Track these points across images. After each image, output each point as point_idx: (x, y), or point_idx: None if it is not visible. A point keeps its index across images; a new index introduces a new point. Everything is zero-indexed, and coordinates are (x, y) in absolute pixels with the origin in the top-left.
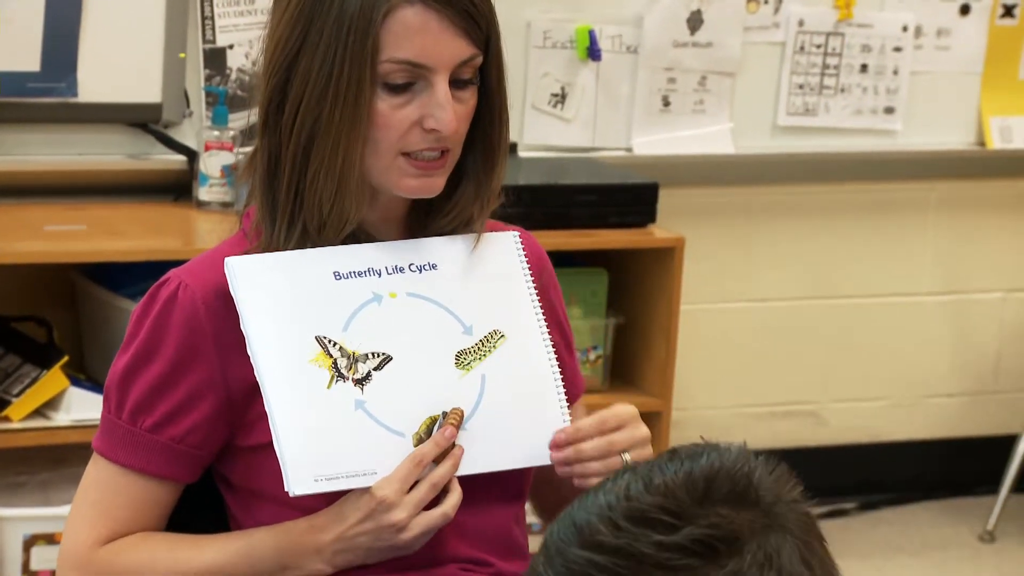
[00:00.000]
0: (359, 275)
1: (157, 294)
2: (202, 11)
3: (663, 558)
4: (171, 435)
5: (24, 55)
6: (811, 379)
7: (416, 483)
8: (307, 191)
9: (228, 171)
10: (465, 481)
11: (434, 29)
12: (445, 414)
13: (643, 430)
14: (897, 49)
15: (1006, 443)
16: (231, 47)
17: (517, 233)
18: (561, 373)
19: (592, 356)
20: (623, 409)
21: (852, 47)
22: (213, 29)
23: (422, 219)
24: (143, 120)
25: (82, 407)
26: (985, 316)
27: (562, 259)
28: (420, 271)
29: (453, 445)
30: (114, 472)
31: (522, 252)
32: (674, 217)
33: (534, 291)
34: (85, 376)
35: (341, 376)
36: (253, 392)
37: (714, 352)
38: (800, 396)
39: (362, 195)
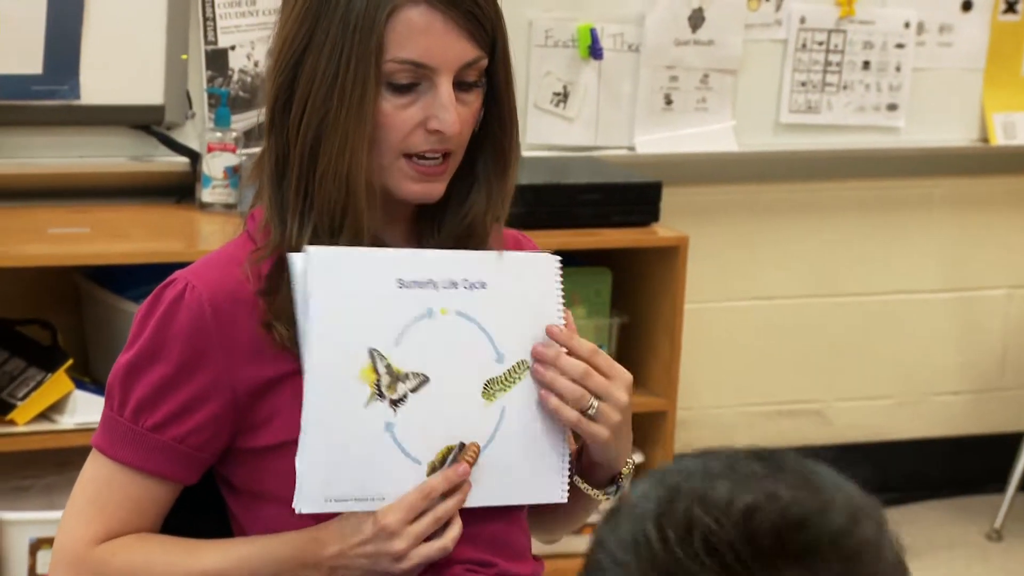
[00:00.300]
0: (420, 285)
1: (162, 295)
2: (204, 12)
3: None
4: (173, 435)
5: (26, 58)
6: (816, 377)
7: (421, 514)
8: (316, 191)
9: (231, 172)
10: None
11: (438, 30)
12: (463, 446)
13: (622, 396)
14: (899, 46)
15: (1012, 441)
16: (233, 48)
17: (559, 257)
18: None
19: None
20: (619, 368)
21: (854, 44)
22: (215, 30)
23: (432, 223)
24: (145, 122)
25: (87, 410)
26: (990, 313)
27: (566, 259)
28: (471, 288)
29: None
30: (113, 469)
31: (559, 276)
32: (677, 216)
33: (562, 318)
34: (90, 379)
35: (380, 395)
36: (259, 394)
37: (719, 351)
38: (805, 394)
39: (372, 196)
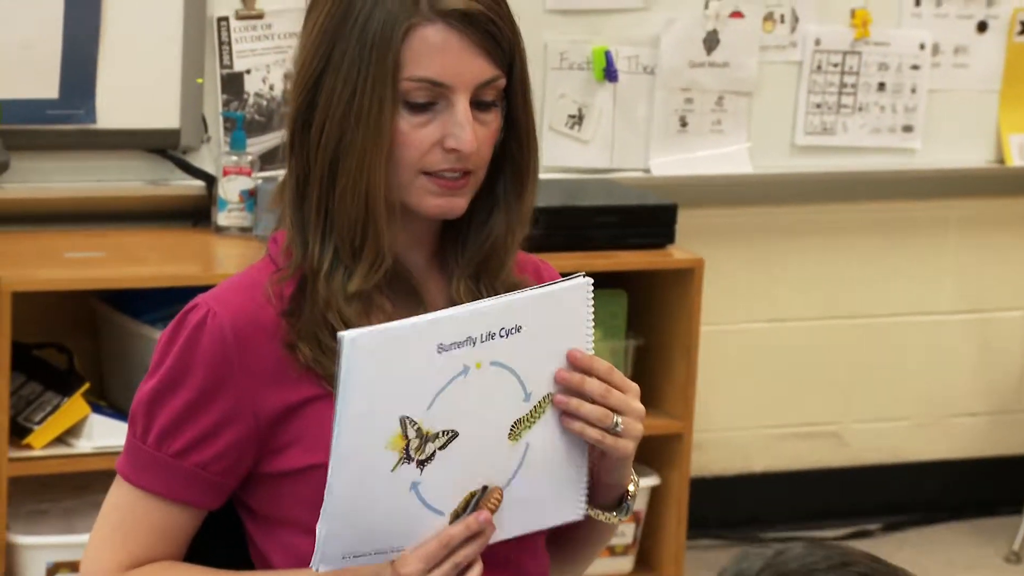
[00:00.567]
0: (459, 346)
1: (185, 320)
2: (219, 36)
3: None
4: (196, 461)
5: (43, 82)
6: (833, 399)
7: (440, 562)
8: (336, 211)
9: (247, 196)
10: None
11: (455, 48)
12: (485, 489)
13: (640, 406)
14: (915, 67)
15: None
16: (248, 72)
17: (591, 280)
18: None
19: None
20: (629, 380)
21: (869, 65)
22: (230, 54)
23: (455, 245)
24: (161, 146)
25: (104, 434)
26: (1007, 334)
27: None
28: (507, 336)
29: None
30: (137, 496)
31: (591, 300)
32: (693, 238)
33: (591, 344)
34: (106, 403)
35: (408, 458)
36: (281, 419)
37: (735, 373)
38: (822, 417)
39: (392, 215)
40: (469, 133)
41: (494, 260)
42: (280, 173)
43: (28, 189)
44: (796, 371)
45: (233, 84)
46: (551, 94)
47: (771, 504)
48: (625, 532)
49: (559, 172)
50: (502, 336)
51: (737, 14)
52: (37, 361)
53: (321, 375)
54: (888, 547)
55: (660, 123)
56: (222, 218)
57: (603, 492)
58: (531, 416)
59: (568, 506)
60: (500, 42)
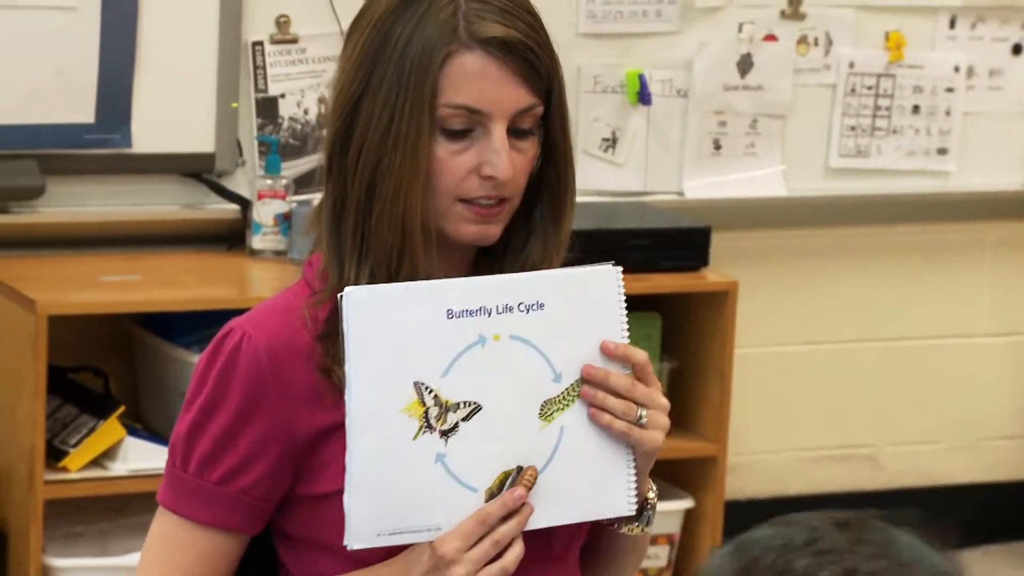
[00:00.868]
0: (471, 314)
1: (221, 345)
2: (254, 61)
3: None
4: (239, 487)
5: (79, 107)
6: (868, 422)
7: (479, 539)
8: (372, 236)
9: (281, 219)
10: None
11: (493, 76)
12: (520, 469)
13: (665, 400)
14: (949, 90)
15: None
16: (283, 96)
17: (620, 269)
18: None
19: None
20: (655, 378)
21: (903, 88)
22: (265, 78)
23: (491, 272)
24: (196, 170)
25: (139, 457)
26: None
27: None
28: (528, 311)
29: (522, 504)
30: (181, 525)
31: (621, 287)
32: (727, 260)
33: (626, 332)
34: (142, 426)
35: (429, 427)
36: (317, 441)
37: (769, 396)
38: (857, 440)
39: (429, 242)
40: (505, 160)
41: None
42: (315, 197)
43: (64, 213)
44: (831, 394)
45: (268, 108)
46: (585, 118)
47: None
48: (660, 555)
49: (593, 195)
50: (521, 311)
51: (771, 37)
52: (73, 384)
53: None
54: None
55: (694, 146)
56: (257, 241)
57: None
58: (563, 398)
59: (615, 499)
60: (538, 70)
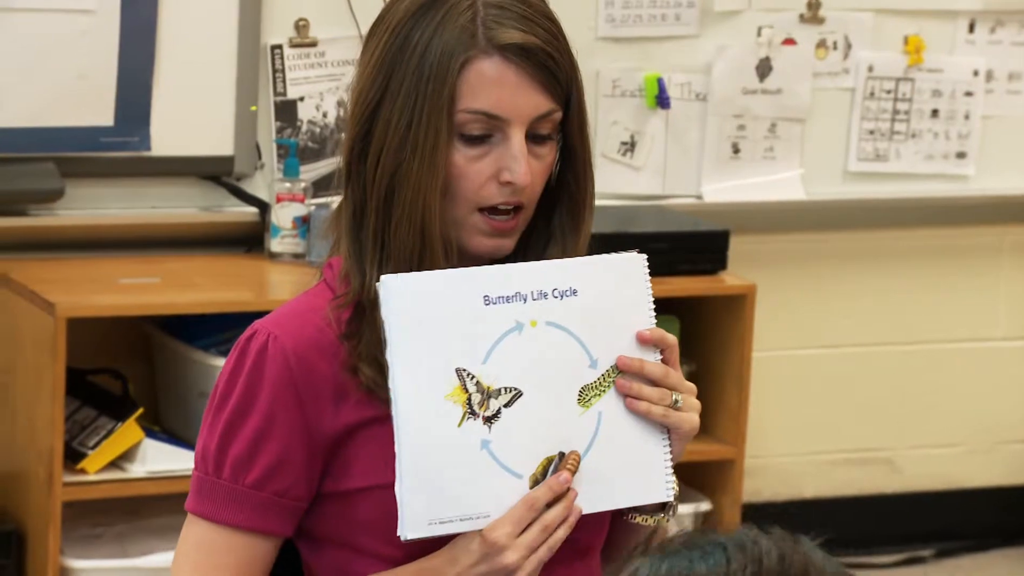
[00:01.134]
0: (507, 300)
1: (247, 348)
2: (273, 64)
3: None
4: (274, 489)
5: (98, 110)
6: (885, 426)
7: (529, 525)
8: (392, 241)
9: (300, 222)
10: None
11: (511, 82)
12: (562, 455)
13: (692, 384)
14: (968, 94)
15: None
16: (302, 99)
17: (645, 256)
18: None
19: None
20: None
21: (922, 92)
22: (284, 82)
23: None
24: (215, 173)
25: (157, 459)
26: None
27: None
28: (562, 297)
29: (567, 489)
30: (218, 533)
31: (647, 275)
32: (745, 264)
33: (654, 318)
34: (160, 428)
35: (473, 413)
36: (344, 439)
37: (787, 399)
38: (875, 443)
39: (449, 248)
40: (524, 166)
41: None
42: (333, 200)
43: (83, 216)
44: (848, 397)
45: (286, 111)
46: (603, 121)
47: (822, 530)
48: None
49: (611, 199)
50: (556, 297)
51: (790, 41)
52: (92, 386)
53: (381, 398)
54: (941, 574)
55: (712, 150)
56: (275, 244)
57: None
58: (600, 384)
59: (653, 485)
60: (557, 76)
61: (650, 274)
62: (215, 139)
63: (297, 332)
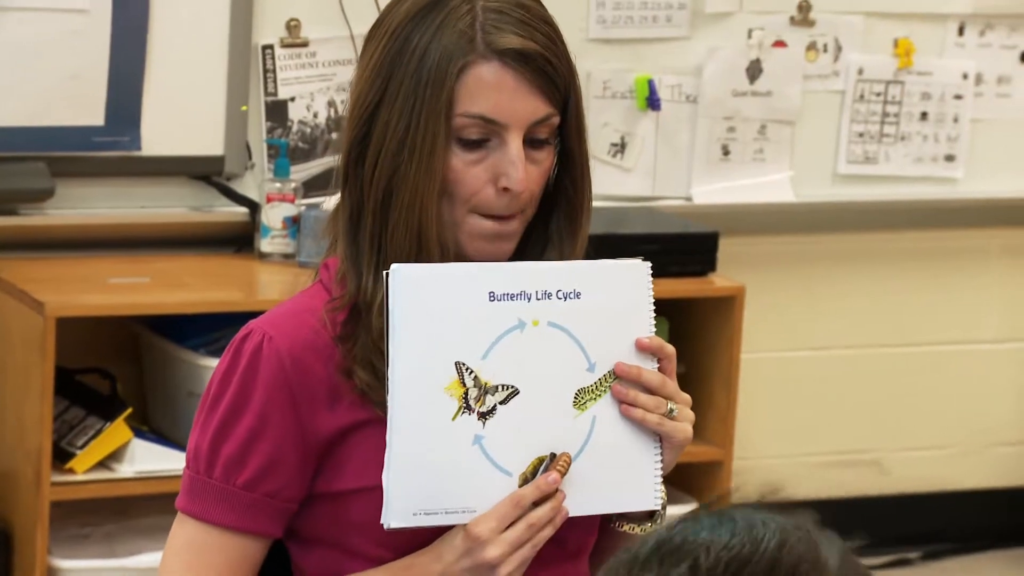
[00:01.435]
0: (512, 298)
1: (241, 348)
2: (264, 64)
3: None
4: (265, 490)
5: (88, 109)
6: (874, 428)
7: (514, 522)
8: (389, 244)
9: (290, 223)
10: None
11: (509, 86)
12: (554, 456)
13: (687, 395)
14: (957, 97)
15: None
16: (292, 100)
17: (650, 265)
18: None
19: None
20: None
21: (912, 95)
22: (275, 82)
23: None
24: (205, 173)
25: (146, 459)
26: None
27: None
28: (565, 299)
29: (556, 490)
30: (209, 532)
31: (650, 284)
32: (734, 266)
33: (654, 327)
34: (149, 428)
35: (468, 408)
36: (337, 440)
37: (776, 401)
38: (863, 445)
39: (446, 253)
40: (521, 172)
41: None
42: (324, 200)
43: (73, 215)
44: (837, 399)
45: (277, 111)
46: (594, 123)
47: None
48: None
49: (601, 200)
50: (559, 298)
51: (780, 43)
52: (80, 386)
53: (375, 401)
54: None
55: (702, 151)
56: (265, 244)
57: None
58: (596, 388)
59: (642, 492)
60: (555, 80)
61: None
62: (206, 139)
63: (292, 333)
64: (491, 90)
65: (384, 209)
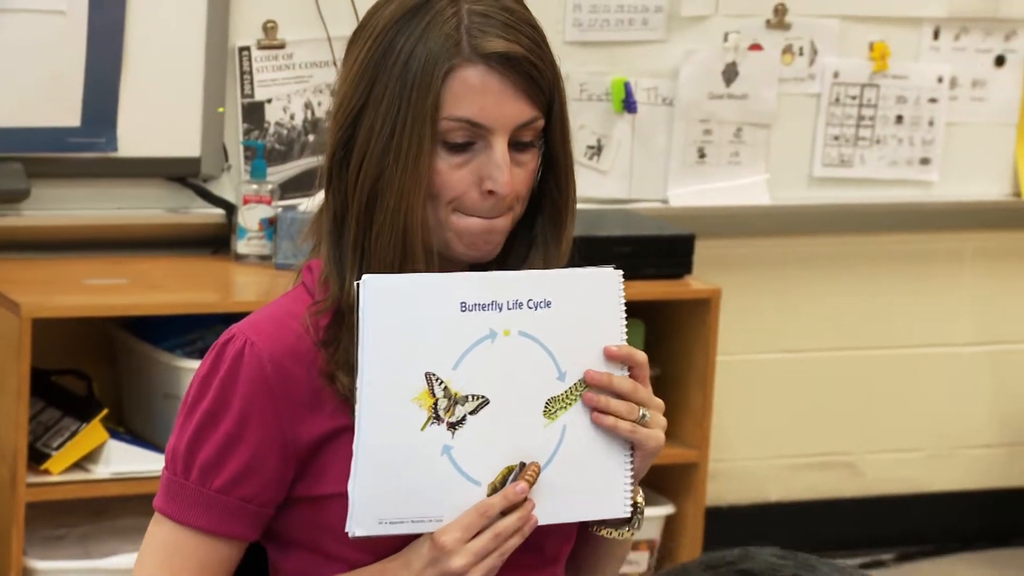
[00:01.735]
0: (484, 308)
1: (223, 352)
2: (240, 66)
3: None
4: (240, 495)
5: (65, 110)
6: (848, 430)
7: (480, 532)
8: (373, 248)
9: (266, 224)
10: None
11: (494, 90)
12: (523, 465)
13: (660, 401)
14: (932, 100)
15: None
16: (269, 101)
17: (621, 273)
18: None
19: None
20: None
21: (887, 98)
22: (252, 83)
23: None
24: (182, 174)
25: (122, 460)
26: (1022, 366)
27: None
28: (536, 308)
29: (525, 499)
30: (183, 534)
31: (622, 292)
32: (710, 268)
33: (625, 334)
34: (124, 429)
35: (437, 418)
36: (319, 446)
37: (751, 403)
38: (837, 447)
39: (430, 255)
40: (507, 175)
41: None
42: (301, 202)
43: (49, 216)
44: (812, 401)
45: (254, 113)
46: (570, 125)
47: (785, 534)
48: (639, 561)
49: (577, 202)
50: (530, 308)
51: (756, 46)
52: (56, 387)
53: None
54: None
55: (678, 154)
56: (241, 246)
57: None
58: (567, 397)
59: (612, 500)
60: (540, 84)
61: None
62: (182, 140)
63: (275, 338)
64: (476, 94)
65: (368, 212)
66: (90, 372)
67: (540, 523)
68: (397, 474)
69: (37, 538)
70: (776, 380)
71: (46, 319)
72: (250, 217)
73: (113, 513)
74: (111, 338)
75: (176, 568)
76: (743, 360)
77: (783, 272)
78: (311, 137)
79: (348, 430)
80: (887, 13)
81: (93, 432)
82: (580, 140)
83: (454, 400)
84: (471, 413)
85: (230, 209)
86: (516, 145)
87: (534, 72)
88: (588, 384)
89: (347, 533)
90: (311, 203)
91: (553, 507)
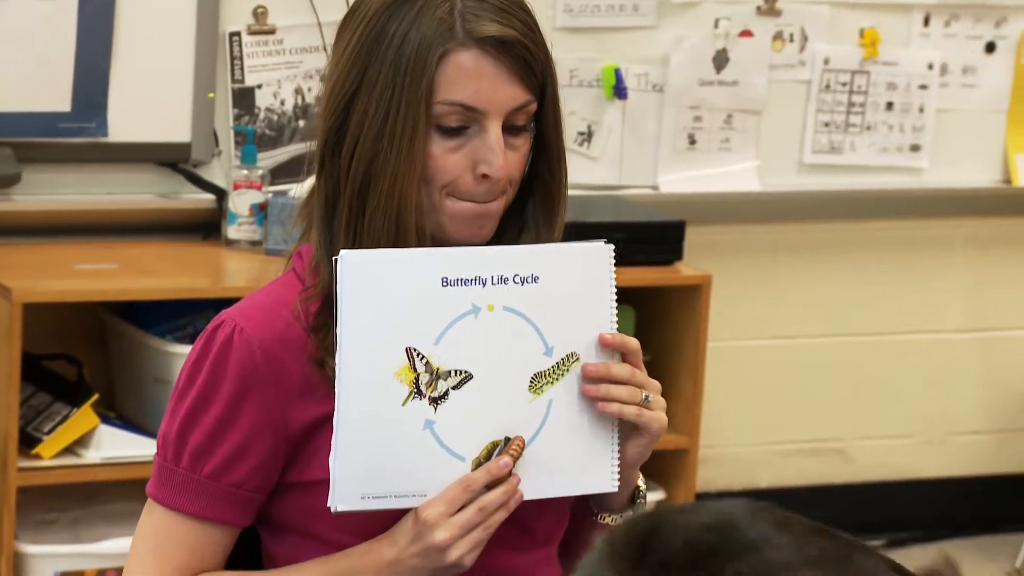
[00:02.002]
0: (466, 283)
1: (212, 338)
2: (231, 51)
3: None
4: (231, 480)
5: (55, 95)
6: (838, 416)
7: (464, 506)
8: (365, 233)
9: (257, 210)
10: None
11: (488, 74)
12: (508, 440)
13: (656, 382)
14: (923, 87)
15: None
16: (260, 87)
17: (612, 247)
18: None
19: None
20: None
21: (878, 85)
22: (242, 69)
23: None
24: (172, 159)
25: (112, 445)
26: (1012, 353)
27: None
28: (523, 283)
29: (509, 474)
30: (174, 519)
31: (612, 266)
32: (700, 254)
33: (615, 309)
34: (115, 414)
35: (419, 393)
36: (310, 431)
37: (741, 389)
38: (827, 433)
39: (423, 240)
40: (500, 158)
41: None
42: (291, 187)
43: (39, 201)
44: (802, 388)
45: (244, 98)
46: (561, 111)
47: None
48: None
49: (568, 188)
50: (516, 283)
51: (747, 33)
52: (47, 372)
53: None
54: None
55: (669, 141)
56: (232, 231)
57: (613, 496)
58: (553, 372)
59: (600, 476)
60: (533, 67)
61: None
62: (172, 126)
63: (264, 325)
64: (470, 78)
65: (362, 197)
66: (81, 357)
67: (526, 498)
68: (379, 449)
69: (28, 522)
70: (767, 366)
71: (37, 304)
72: (240, 202)
73: (104, 498)
74: (102, 323)
75: (168, 554)
76: (734, 346)
77: (773, 258)
78: (301, 122)
79: None
80: (877, 0)
81: (84, 417)
82: (570, 126)
83: (436, 375)
84: (454, 388)
85: (220, 194)
86: (509, 129)
87: (527, 56)
88: (586, 377)
89: (333, 513)
90: (302, 188)
91: (539, 482)
